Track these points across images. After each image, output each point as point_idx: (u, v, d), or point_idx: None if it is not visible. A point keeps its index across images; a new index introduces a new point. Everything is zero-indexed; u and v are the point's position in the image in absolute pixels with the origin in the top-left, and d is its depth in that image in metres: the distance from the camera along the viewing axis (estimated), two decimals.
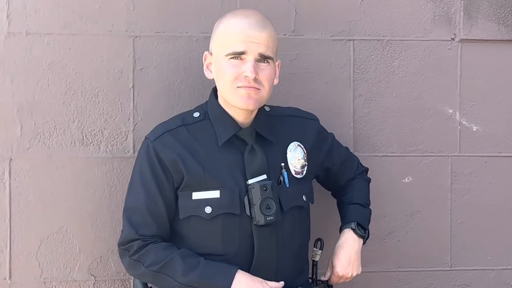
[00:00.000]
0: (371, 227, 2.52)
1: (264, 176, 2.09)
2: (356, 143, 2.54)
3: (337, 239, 2.27)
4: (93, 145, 2.39)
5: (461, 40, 2.58)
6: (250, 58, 2.05)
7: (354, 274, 2.24)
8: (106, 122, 2.40)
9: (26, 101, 2.35)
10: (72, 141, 2.38)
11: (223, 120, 2.12)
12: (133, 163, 2.36)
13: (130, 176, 2.23)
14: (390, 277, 2.57)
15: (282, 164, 2.14)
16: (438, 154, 2.58)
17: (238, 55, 2.05)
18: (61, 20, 2.36)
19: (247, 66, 2.04)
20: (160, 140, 2.09)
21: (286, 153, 2.16)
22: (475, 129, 2.60)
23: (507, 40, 2.58)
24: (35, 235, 2.37)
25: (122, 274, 2.40)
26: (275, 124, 2.19)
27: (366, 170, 2.42)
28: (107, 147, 2.40)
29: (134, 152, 2.40)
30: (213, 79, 2.17)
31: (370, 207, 2.49)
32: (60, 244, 2.38)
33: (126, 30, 2.40)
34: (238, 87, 2.06)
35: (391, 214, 2.56)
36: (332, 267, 2.24)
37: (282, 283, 2.06)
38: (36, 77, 2.36)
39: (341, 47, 2.53)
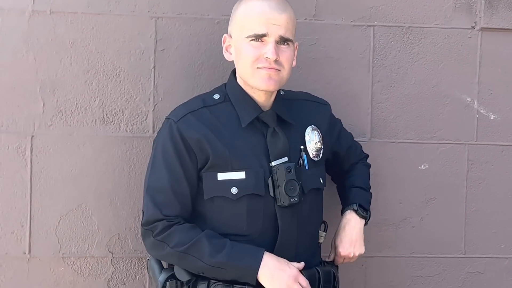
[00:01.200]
0: (386, 212, 2.56)
1: (285, 159, 2.11)
2: (374, 129, 2.55)
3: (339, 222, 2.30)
4: (113, 124, 2.42)
5: (482, 29, 2.58)
6: (271, 40, 2.07)
7: (357, 254, 2.26)
8: (127, 102, 2.42)
9: (48, 79, 2.38)
10: (93, 120, 2.41)
11: (245, 102, 2.14)
12: (152, 142, 2.40)
13: (149, 155, 2.25)
14: (403, 262, 2.59)
15: (302, 147, 2.17)
16: (455, 142, 2.59)
17: (259, 37, 2.07)
18: None
19: (268, 48, 2.06)
20: (184, 120, 2.10)
21: (305, 136, 2.18)
22: (492, 118, 2.61)
23: None
24: (54, 211, 2.40)
25: (139, 251, 2.43)
26: (291, 107, 2.21)
27: (367, 156, 2.46)
28: (127, 126, 2.43)
29: (153, 132, 2.42)
30: (232, 62, 2.18)
31: (385, 193, 2.52)
32: (79, 220, 2.41)
33: (149, 11, 2.42)
34: (258, 68, 2.08)
35: (406, 200, 2.58)
36: (335, 248, 2.28)
37: (303, 263, 2.09)
38: (59, 55, 2.39)
39: (361, 32, 2.54)
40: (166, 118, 2.16)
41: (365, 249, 2.28)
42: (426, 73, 2.57)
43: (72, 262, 2.42)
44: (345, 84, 2.53)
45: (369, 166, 2.44)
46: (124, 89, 2.42)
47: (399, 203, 2.57)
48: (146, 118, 2.43)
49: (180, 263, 2.09)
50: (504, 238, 2.63)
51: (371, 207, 2.35)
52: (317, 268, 2.15)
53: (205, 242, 2.04)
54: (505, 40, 2.59)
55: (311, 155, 2.18)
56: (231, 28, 2.16)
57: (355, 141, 2.44)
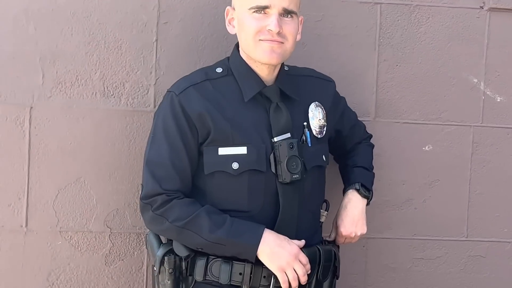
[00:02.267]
0: (389, 193, 2.54)
1: (288, 135, 2.08)
2: (378, 108, 2.52)
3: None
4: (114, 97, 2.38)
5: (490, 9, 2.54)
6: (274, 12, 2.03)
7: (359, 234, 2.24)
8: (128, 75, 2.39)
9: (48, 50, 2.34)
10: (93, 92, 2.37)
11: (248, 76, 2.10)
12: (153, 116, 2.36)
13: (150, 130, 2.22)
14: (405, 244, 2.56)
15: (305, 123, 2.13)
16: (460, 123, 2.56)
17: (261, 9, 2.03)
18: None
19: (271, 20, 2.02)
20: (186, 93, 2.06)
21: (308, 113, 2.15)
22: (499, 100, 2.57)
23: None
24: (52, 184, 2.37)
25: (137, 227, 2.41)
26: (295, 83, 2.17)
27: (371, 136, 2.43)
28: (128, 100, 2.39)
29: (154, 107, 2.39)
30: (235, 35, 2.15)
31: (388, 173, 2.49)
32: (78, 194, 2.38)
33: None
34: (260, 40, 2.04)
35: (410, 181, 2.55)
36: (336, 228, 2.25)
37: (303, 241, 2.06)
38: (59, 26, 2.35)
39: (368, 10, 2.49)
40: (167, 91, 2.13)
41: (367, 229, 2.25)
42: (432, 53, 2.53)
43: (69, 237, 2.39)
44: (350, 62, 2.49)
45: (372, 146, 2.41)
46: (126, 62, 2.38)
47: (402, 184, 2.54)
48: (148, 92, 2.40)
49: (179, 238, 2.06)
50: (507, 222, 2.60)
51: (374, 187, 2.32)
52: (318, 247, 2.12)
53: (205, 218, 2.01)
54: None
55: (314, 132, 2.15)
56: (234, 1, 2.12)
57: (359, 120, 2.41)
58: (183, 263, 2.07)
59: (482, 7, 2.55)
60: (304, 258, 2.03)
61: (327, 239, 2.27)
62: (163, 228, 2.06)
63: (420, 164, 2.55)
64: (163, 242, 2.14)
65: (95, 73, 2.37)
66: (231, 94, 2.09)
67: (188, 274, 2.07)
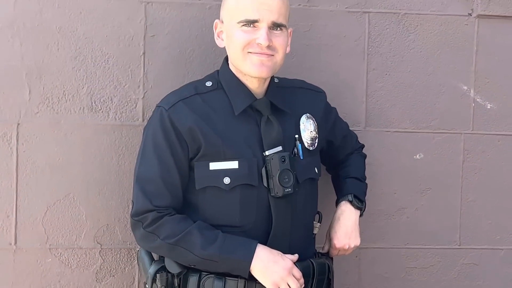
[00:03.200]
0: (381, 202, 2.53)
1: (279, 148, 2.07)
2: (369, 117, 2.51)
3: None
4: (102, 112, 2.36)
5: (478, 16, 2.53)
6: (263, 26, 2.02)
7: (352, 246, 2.22)
8: (116, 89, 2.37)
9: (35, 65, 2.32)
10: (81, 107, 2.35)
11: (238, 89, 2.08)
12: (142, 131, 2.34)
13: (139, 144, 2.20)
14: (398, 253, 2.55)
15: (296, 136, 2.12)
16: (450, 131, 2.55)
17: (250, 23, 2.02)
18: None
19: (261, 33, 2.01)
20: (175, 108, 2.04)
21: (299, 125, 2.14)
22: (489, 107, 2.57)
23: None
24: (41, 201, 2.34)
25: (128, 242, 2.38)
26: (286, 95, 2.16)
27: (363, 146, 2.41)
28: (116, 114, 2.37)
29: (143, 120, 2.37)
30: (224, 48, 2.13)
31: (380, 183, 2.48)
32: (67, 210, 2.35)
33: None
34: (249, 52, 2.03)
35: (401, 190, 2.54)
36: (330, 240, 2.23)
37: (297, 255, 2.05)
38: (45, 41, 2.32)
39: (356, 19, 2.49)
40: (156, 106, 2.10)
41: (360, 240, 2.24)
42: (422, 61, 2.53)
43: (59, 254, 2.37)
44: (339, 71, 2.48)
45: (364, 156, 2.39)
46: (113, 76, 2.36)
47: (393, 194, 2.53)
48: (136, 105, 2.38)
49: (170, 255, 2.04)
50: (500, 229, 2.60)
51: (366, 197, 2.31)
52: (311, 260, 2.11)
53: (197, 234, 1.99)
54: (502, 28, 2.55)
55: (306, 144, 2.13)
56: (223, 13, 2.11)
57: (351, 130, 2.39)
58: (176, 280, 2.04)
59: (470, 14, 2.54)
60: (297, 273, 2.02)
61: (321, 251, 2.25)
62: (155, 246, 2.04)
63: (411, 172, 2.54)
64: (155, 258, 2.11)
65: (83, 88, 2.35)
66: (221, 108, 2.07)
67: None
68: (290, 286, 2.00)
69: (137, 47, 2.37)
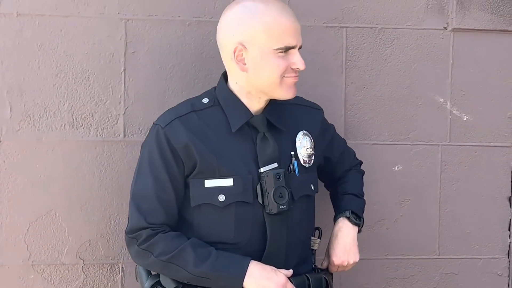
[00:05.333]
0: None
1: (275, 165, 2.07)
2: (347, 130, 2.54)
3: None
4: (83, 128, 2.37)
5: (454, 29, 2.58)
6: (296, 51, 2.04)
7: (351, 262, 2.22)
8: (97, 105, 2.38)
9: (16, 83, 2.33)
10: (62, 124, 2.36)
11: (235, 106, 2.08)
12: (124, 147, 2.39)
13: (120, 160, 2.27)
14: (378, 264, 2.58)
15: (292, 152, 2.12)
16: (428, 143, 2.59)
17: (290, 49, 2.03)
18: (53, 1, 2.34)
19: (297, 58, 2.03)
20: (171, 126, 2.05)
21: (295, 142, 2.14)
22: (465, 119, 2.61)
23: (499, 30, 2.59)
24: (23, 217, 2.35)
25: (110, 258, 2.40)
26: (282, 112, 2.16)
27: (361, 163, 2.42)
28: (97, 130, 2.38)
29: (124, 136, 2.39)
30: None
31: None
32: (49, 227, 2.36)
33: (118, 13, 2.38)
34: (284, 77, 2.04)
35: (381, 202, 2.57)
36: (328, 257, 2.24)
37: (291, 271, 2.05)
38: (26, 58, 2.34)
39: (334, 34, 2.52)
40: (153, 124, 2.11)
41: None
42: (399, 74, 2.57)
43: (42, 270, 2.37)
44: (318, 85, 2.51)
45: (362, 172, 2.39)
46: (94, 92, 2.38)
47: (373, 205, 2.55)
48: (117, 122, 2.39)
49: (164, 272, 2.05)
50: (478, 238, 2.63)
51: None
52: (307, 275, 2.11)
53: (190, 251, 2.00)
54: (477, 41, 2.60)
55: (302, 161, 2.14)
56: (247, 39, 2.02)
57: (349, 147, 2.40)
58: None
59: (445, 28, 2.59)
60: (292, 287, 2.03)
61: (320, 267, 2.25)
62: (149, 263, 2.05)
63: (390, 184, 2.57)
64: (153, 273, 2.12)
65: (64, 104, 2.36)
66: (217, 125, 2.08)
67: None
68: None
69: (117, 63, 2.39)
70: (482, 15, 2.58)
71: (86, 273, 2.39)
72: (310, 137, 2.17)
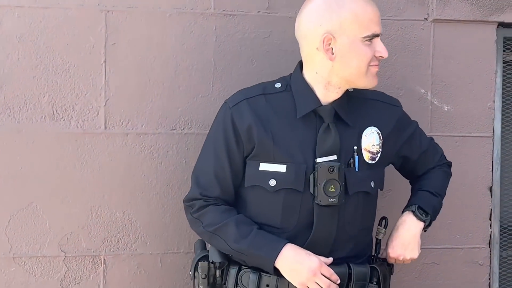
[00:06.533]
0: None
1: (334, 157, 2.07)
2: None
3: None
4: (63, 120, 2.36)
5: (434, 20, 2.59)
6: (379, 39, 2.07)
7: (408, 258, 2.19)
8: (77, 97, 2.37)
9: None
10: (42, 116, 2.35)
11: (306, 94, 2.09)
12: (105, 139, 2.39)
13: (101, 152, 2.30)
14: None
15: (355, 147, 2.11)
16: None
17: (375, 37, 2.06)
18: None
19: (381, 47, 2.06)
20: (238, 107, 2.09)
21: (361, 137, 2.13)
22: (446, 109, 2.62)
23: (479, 21, 2.60)
24: (4, 210, 2.34)
25: (92, 250, 2.39)
26: (355, 106, 2.15)
27: (449, 164, 2.37)
28: (78, 122, 2.37)
29: (105, 128, 2.38)
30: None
31: None
32: (30, 219, 2.36)
33: (98, 4, 2.37)
34: (369, 66, 2.06)
35: None
36: (386, 248, 2.22)
37: (331, 259, 2.06)
38: (6, 50, 2.32)
39: None
40: (224, 101, 2.15)
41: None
42: (380, 65, 2.55)
43: (23, 262, 2.37)
44: None
45: (448, 172, 2.34)
46: (74, 84, 2.37)
47: None
48: (98, 113, 2.39)
49: (211, 242, 2.13)
50: (459, 228, 2.65)
51: None
52: (350, 264, 2.10)
53: (233, 226, 2.06)
54: (458, 31, 2.61)
55: (365, 157, 2.12)
56: (335, 27, 2.04)
57: (437, 146, 2.35)
58: (218, 271, 2.10)
59: (426, 19, 2.59)
60: (327, 270, 2.03)
61: (380, 256, 2.22)
62: (199, 231, 2.14)
63: None
64: (207, 247, 2.17)
65: (44, 96, 2.36)
66: (284, 110, 2.10)
67: (223, 283, 2.11)
68: (320, 285, 2.02)
69: (98, 55, 2.38)
70: (462, 6, 2.59)
71: (68, 265, 2.39)
72: (379, 134, 2.15)
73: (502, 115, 2.67)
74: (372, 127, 2.15)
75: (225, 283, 2.11)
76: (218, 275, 2.10)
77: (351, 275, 2.09)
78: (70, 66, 2.36)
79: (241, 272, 2.09)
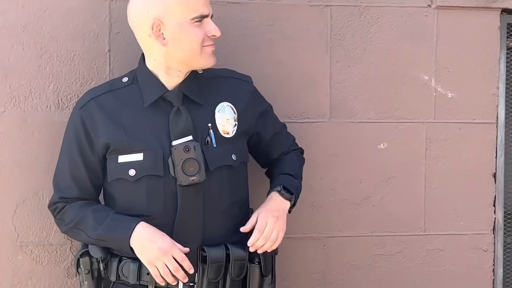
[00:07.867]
0: (347, 192, 2.57)
1: (190, 137, 2.10)
2: (333, 109, 2.55)
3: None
4: (68, 109, 2.37)
5: (438, 7, 2.58)
6: (209, 19, 2.10)
7: (271, 226, 2.12)
8: (82, 86, 2.38)
9: (1, 65, 2.33)
10: (47, 105, 2.37)
11: (150, 83, 2.14)
12: None
13: None
14: (364, 241, 2.60)
15: (210, 124, 2.14)
16: (413, 120, 2.60)
17: (203, 18, 2.08)
18: None
19: (212, 26, 2.10)
20: (86, 108, 2.13)
21: (215, 114, 2.16)
22: (450, 96, 2.62)
23: (482, 7, 2.60)
24: (10, 199, 2.36)
25: None
26: (205, 85, 2.18)
27: (302, 150, 2.41)
28: None
29: None
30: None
31: (345, 173, 2.53)
32: (36, 208, 2.37)
33: None
34: (203, 46, 2.09)
35: (366, 179, 2.58)
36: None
37: (187, 249, 2.06)
38: (10, 40, 2.33)
39: (318, 13, 2.52)
40: (76, 103, 2.20)
41: (327, 229, 2.26)
42: (383, 53, 2.57)
43: (30, 251, 2.38)
44: (303, 65, 2.52)
45: (301, 158, 2.38)
46: (79, 73, 2.38)
47: (359, 183, 2.58)
48: None
49: (76, 238, 2.19)
50: (463, 215, 2.65)
51: (332, 187, 2.35)
52: (228, 245, 2.11)
53: (89, 216, 2.11)
54: (461, 18, 2.60)
55: (221, 132, 2.15)
56: (162, 13, 2.06)
57: (289, 133, 2.39)
58: (101, 265, 2.14)
59: (430, 6, 2.59)
60: (179, 255, 2.04)
61: (240, 228, 2.13)
62: (64, 230, 2.20)
63: (376, 162, 2.59)
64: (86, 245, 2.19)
65: (49, 86, 2.37)
66: (133, 102, 2.13)
67: (106, 276, 2.15)
68: (168, 267, 2.04)
69: (102, 44, 2.39)
70: None
71: (74, 253, 2.40)
72: (232, 108, 2.19)
73: (506, 101, 2.67)
74: (224, 102, 2.18)
75: (108, 276, 2.14)
76: (102, 269, 2.14)
77: (229, 256, 2.10)
78: (75, 55, 2.37)
79: (121, 263, 2.12)
